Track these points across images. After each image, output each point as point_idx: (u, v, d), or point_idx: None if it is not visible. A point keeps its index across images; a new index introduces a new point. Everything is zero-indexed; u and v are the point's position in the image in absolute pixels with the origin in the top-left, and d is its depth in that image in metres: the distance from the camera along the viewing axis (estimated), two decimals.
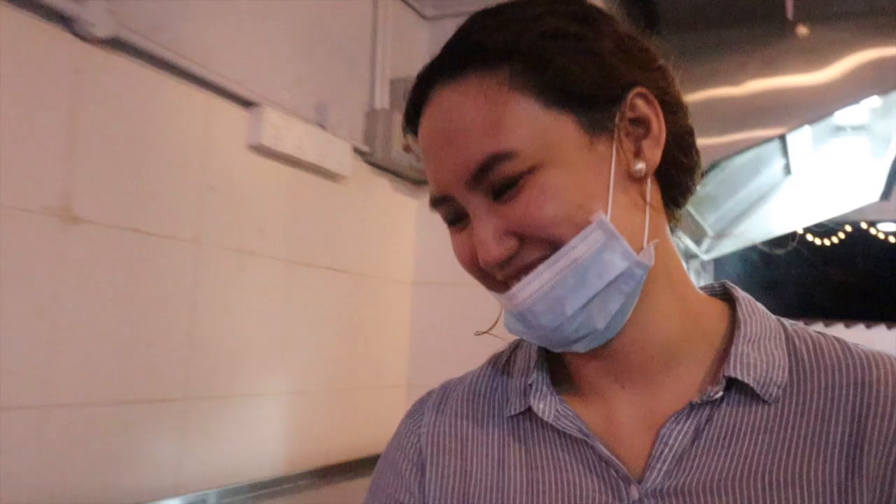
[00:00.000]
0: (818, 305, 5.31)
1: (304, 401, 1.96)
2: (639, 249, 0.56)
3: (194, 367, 1.62)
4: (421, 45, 2.44)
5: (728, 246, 4.15)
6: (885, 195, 3.78)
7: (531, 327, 0.58)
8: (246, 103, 1.73)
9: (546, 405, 0.62)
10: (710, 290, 0.67)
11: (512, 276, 0.58)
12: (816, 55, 2.36)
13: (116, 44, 1.41)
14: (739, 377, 0.57)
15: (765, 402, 0.57)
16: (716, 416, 0.58)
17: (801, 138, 3.32)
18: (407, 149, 2.16)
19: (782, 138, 2.94)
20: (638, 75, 0.58)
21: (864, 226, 5.37)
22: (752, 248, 4.27)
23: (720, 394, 0.57)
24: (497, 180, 0.56)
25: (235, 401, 1.75)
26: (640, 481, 0.58)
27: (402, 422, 0.72)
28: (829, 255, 5.53)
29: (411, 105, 0.62)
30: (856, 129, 3.42)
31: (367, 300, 2.23)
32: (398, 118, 2.14)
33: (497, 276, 0.59)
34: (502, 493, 0.62)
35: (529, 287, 0.56)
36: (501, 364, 0.70)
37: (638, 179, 0.58)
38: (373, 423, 2.23)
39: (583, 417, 0.62)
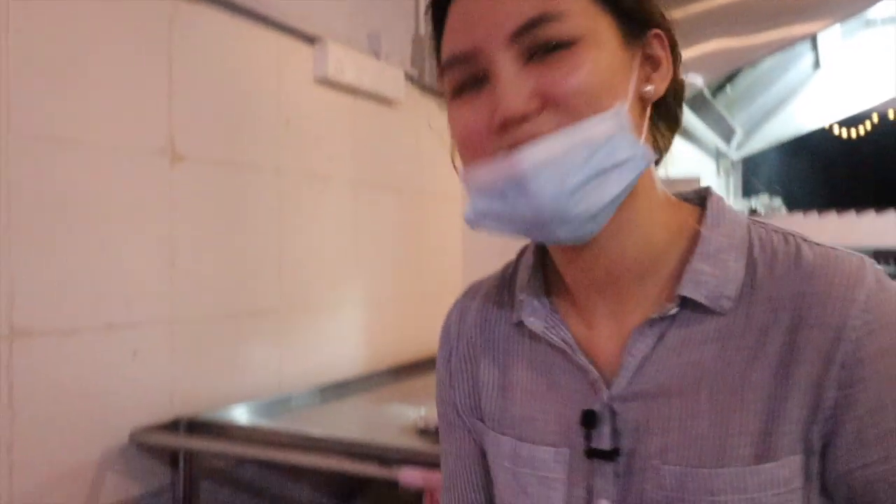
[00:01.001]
0: (847, 196, 5.40)
1: (376, 308, 2.17)
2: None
3: (285, 282, 1.83)
4: None
5: (757, 144, 4.23)
6: None
7: (525, 195, 0.57)
8: (310, 39, 1.87)
9: (536, 318, 0.68)
10: (689, 196, 0.69)
11: (521, 141, 0.57)
12: None
13: None
14: (689, 295, 0.60)
15: (717, 313, 0.61)
16: (672, 328, 0.62)
17: (830, 32, 3.36)
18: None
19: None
20: (661, 20, 0.64)
21: (890, 115, 5.38)
22: (783, 144, 4.34)
23: (675, 310, 0.61)
24: (539, 39, 0.57)
25: (320, 310, 1.96)
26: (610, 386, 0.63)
27: (440, 337, 0.80)
28: (856, 146, 5.57)
29: None
30: (886, 20, 3.44)
31: (424, 215, 2.41)
32: None
33: (505, 138, 0.58)
34: (504, 391, 0.71)
35: (540, 151, 0.56)
36: (509, 274, 0.76)
37: (643, 101, 0.62)
38: (433, 326, 2.45)
39: (568, 323, 0.67)
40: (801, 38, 2.67)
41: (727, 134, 3.82)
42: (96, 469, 1.40)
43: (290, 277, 1.85)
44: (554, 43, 0.57)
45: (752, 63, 2.89)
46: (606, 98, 0.58)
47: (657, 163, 0.68)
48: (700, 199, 0.68)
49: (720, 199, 0.67)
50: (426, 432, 1.50)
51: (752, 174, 4.65)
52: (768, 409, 0.58)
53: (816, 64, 3.78)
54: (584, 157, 0.56)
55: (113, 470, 1.43)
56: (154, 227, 1.50)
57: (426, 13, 0.67)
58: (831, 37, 3.44)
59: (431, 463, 1.24)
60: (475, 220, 0.62)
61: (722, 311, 0.60)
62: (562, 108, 0.57)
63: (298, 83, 1.86)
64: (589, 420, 0.63)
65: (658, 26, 0.64)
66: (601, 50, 0.58)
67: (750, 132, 4.08)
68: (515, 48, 0.58)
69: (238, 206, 1.70)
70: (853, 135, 5.87)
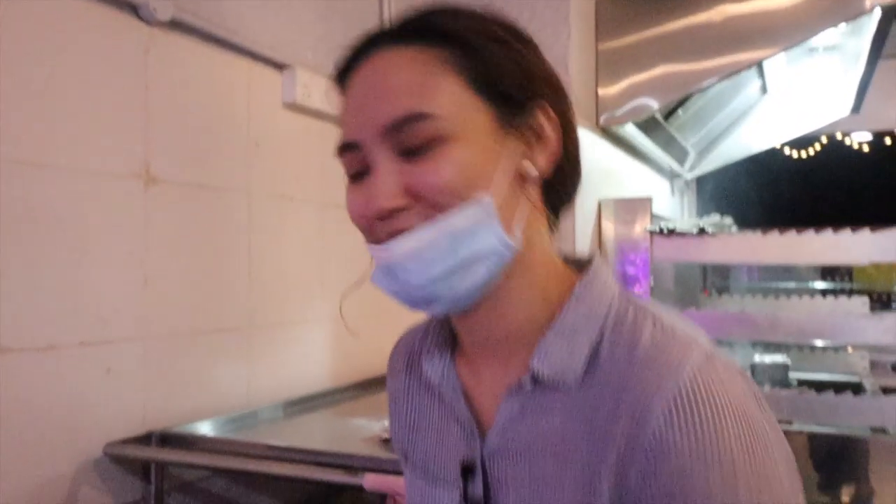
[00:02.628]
0: (797, 214, 5.62)
1: (340, 325, 2.24)
2: (511, 235, 0.64)
3: (254, 299, 1.89)
4: None
5: (710, 165, 4.39)
6: (856, 108, 4.01)
7: (397, 282, 0.63)
8: (279, 66, 1.94)
9: (433, 368, 0.75)
10: (580, 263, 0.72)
11: (393, 233, 0.63)
12: None
13: (175, 25, 1.62)
14: (537, 370, 0.65)
15: (562, 388, 0.65)
16: (530, 396, 0.67)
17: (775, 60, 3.53)
18: None
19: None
20: (548, 93, 0.67)
21: (839, 137, 5.62)
22: (733, 164, 4.51)
23: (529, 380, 0.66)
24: (409, 138, 0.61)
25: (287, 327, 2.02)
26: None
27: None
28: (807, 166, 5.79)
29: (348, 59, 0.67)
30: (827, 48, 3.62)
31: None
32: None
33: (378, 230, 0.64)
34: (410, 428, 0.79)
35: (406, 244, 0.61)
36: (426, 324, 0.84)
37: (526, 179, 0.65)
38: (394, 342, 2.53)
39: (462, 377, 0.73)
40: (748, 65, 2.81)
41: (680, 155, 3.97)
42: (71, 482, 1.44)
43: (259, 295, 1.91)
44: (421, 142, 0.61)
45: (703, 89, 3.03)
46: (470, 190, 0.61)
47: (555, 221, 0.71)
48: (585, 266, 0.71)
49: (597, 270, 0.70)
50: (388, 441, 1.57)
51: (706, 194, 4.82)
52: (590, 485, 0.61)
53: (763, 89, 3.95)
54: (448, 249, 0.61)
55: (87, 483, 1.47)
56: (127, 248, 1.56)
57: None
58: (777, 64, 3.61)
59: (395, 470, 1.32)
60: (376, 283, 0.67)
61: (566, 387, 0.65)
62: (429, 204, 0.61)
63: (267, 108, 1.93)
64: (465, 470, 0.70)
65: (546, 98, 0.67)
66: (469, 145, 0.62)
67: (702, 153, 4.24)
68: (389, 143, 0.62)
69: (209, 227, 1.76)
70: (804, 155, 6.11)
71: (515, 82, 0.65)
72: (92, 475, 1.48)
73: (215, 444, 1.57)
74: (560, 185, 0.70)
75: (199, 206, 1.73)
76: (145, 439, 1.55)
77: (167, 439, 1.57)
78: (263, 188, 1.92)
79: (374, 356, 2.38)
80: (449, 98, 0.62)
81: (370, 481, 1.28)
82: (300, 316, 2.08)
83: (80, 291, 1.46)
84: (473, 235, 0.61)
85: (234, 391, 1.84)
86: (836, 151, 5.71)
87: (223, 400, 1.79)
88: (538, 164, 0.66)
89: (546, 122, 0.66)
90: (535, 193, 0.67)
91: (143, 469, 1.58)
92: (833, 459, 2.21)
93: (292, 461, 1.44)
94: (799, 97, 4.01)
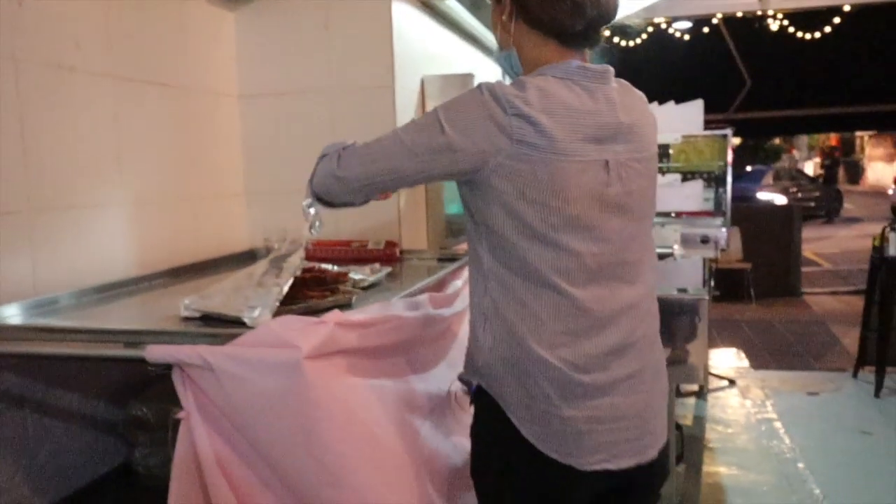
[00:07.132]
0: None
1: (148, 210, 2.10)
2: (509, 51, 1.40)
3: (34, 182, 1.71)
4: None
5: None
6: None
7: None
8: None
9: None
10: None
11: None
12: None
13: None
14: None
15: None
16: None
17: None
18: None
19: None
20: None
21: (663, 26, 5.83)
22: None
23: None
24: None
25: (76, 212, 1.86)
26: None
27: None
28: (633, 53, 6.00)
29: None
30: None
31: (197, 114, 2.33)
32: None
33: None
34: None
35: None
36: None
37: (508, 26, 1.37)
38: (216, 228, 2.42)
39: None
40: None
41: None
42: None
43: (40, 177, 1.73)
44: None
45: None
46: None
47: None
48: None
49: (556, 67, 1.34)
50: (190, 320, 1.50)
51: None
52: None
53: None
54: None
55: None
56: None
57: None
58: None
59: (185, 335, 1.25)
60: None
61: None
62: None
63: None
64: None
65: None
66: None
67: None
68: None
69: None
70: (632, 44, 6.32)
71: None
72: None
73: None
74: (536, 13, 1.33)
75: None
76: None
77: None
78: (35, 54, 1.70)
79: (188, 243, 2.26)
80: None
81: (153, 351, 1.21)
82: (95, 199, 1.91)
83: None
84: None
85: (18, 280, 1.67)
86: (660, 40, 5.93)
87: (4, 289, 1.63)
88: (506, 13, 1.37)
89: None
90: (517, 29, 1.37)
91: None
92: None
93: (70, 340, 1.34)
94: None
